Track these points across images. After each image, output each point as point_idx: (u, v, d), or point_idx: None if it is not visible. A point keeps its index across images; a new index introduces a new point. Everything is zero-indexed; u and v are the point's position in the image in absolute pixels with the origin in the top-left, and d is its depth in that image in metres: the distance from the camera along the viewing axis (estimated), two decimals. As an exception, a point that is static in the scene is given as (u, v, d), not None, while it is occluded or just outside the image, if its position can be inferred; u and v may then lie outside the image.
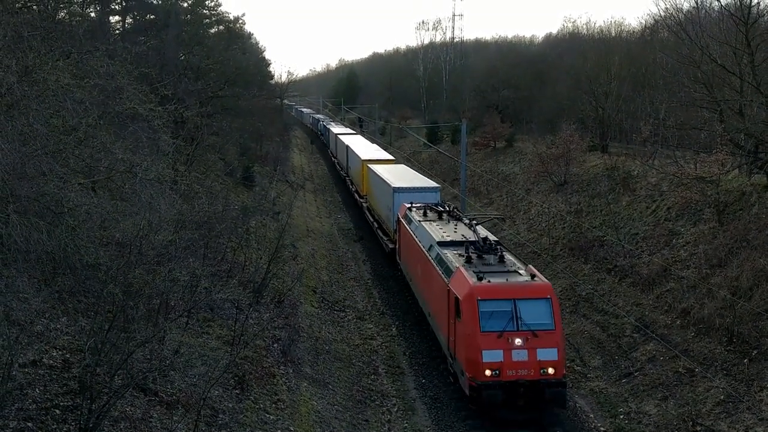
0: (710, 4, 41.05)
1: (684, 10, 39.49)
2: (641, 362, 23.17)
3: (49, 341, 14.67)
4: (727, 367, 21.02)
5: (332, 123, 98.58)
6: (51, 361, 14.01)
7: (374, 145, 62.67)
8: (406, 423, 20.18)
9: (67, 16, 28.44)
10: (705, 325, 23.25)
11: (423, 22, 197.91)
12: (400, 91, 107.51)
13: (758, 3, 30.26)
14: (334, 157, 73.63)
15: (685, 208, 30.83)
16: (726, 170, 30.17)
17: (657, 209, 32.95)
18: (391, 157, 51.18)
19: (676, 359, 22.11)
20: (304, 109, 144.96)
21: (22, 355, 13.32)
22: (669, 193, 32.88)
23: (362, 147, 56.78)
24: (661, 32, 50.49)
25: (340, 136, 68.36)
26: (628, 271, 29.78)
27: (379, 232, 39.33)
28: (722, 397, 19.56)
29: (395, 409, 21.01)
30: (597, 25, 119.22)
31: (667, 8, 42.03)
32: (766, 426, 17.69)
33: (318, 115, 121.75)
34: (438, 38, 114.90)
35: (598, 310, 28.08)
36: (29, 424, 11.75)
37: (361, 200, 47.84)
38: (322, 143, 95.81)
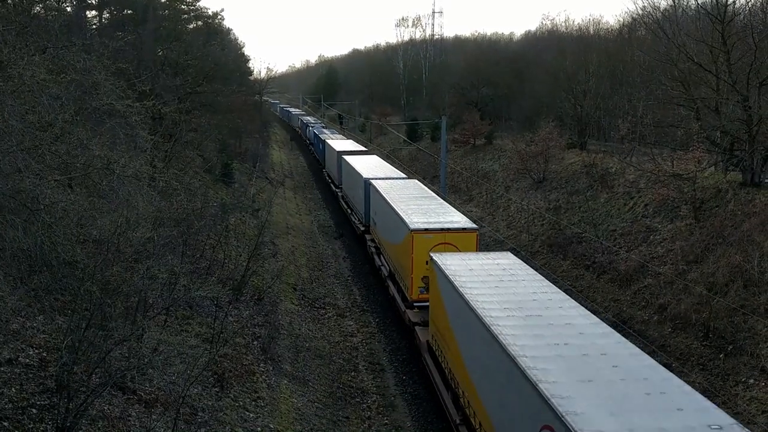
0: (687, 3, 41.51)
1: (661, 9, 39.93)
2: (619, 358, 23.39)
3: (25, 340, 14.50)
4: (703, 362, 21.30)
5: (326, 130, 78.59)
6: (27, 360, 13.84)
7: (414, 183, 34.43)
8: (386, 419, 20.20)
9: (42, 11, 28.09)
10: (681, 320, 23.53)
11: (403, 19, 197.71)
12: (379, 88, 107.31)
13: (734, 2, 30.65)
14: (336, 186, 51.50)
15: (662, 205, 31.16)
16: (702, 167, 30.57)
17: (634, 206, 33.26)
18: (471, 224, 24.68)
19: (654, 354, 22.32)
20: (291, 109, 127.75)
21: (-3, 354, 13.15)
22: (646, 190, 33.22)
23: (400, 193, 30.46)
24: (638, 30, 50.96)
25: (347, 158, 45.54)
26: (606, 267, 30.05)
27: None
28: (698, 391, 19.81)
29: (375, 406, 21.03)
30: (575, 22, 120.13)
31: (644, 6, 42.58)
32: (741, 419, 17.95)
33: (307, 118, 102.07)
34: (418, 35, 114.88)
35: (576, 306, 28.28)
36: (5, 424, 11.60)
37: (407, 312, 24.24)
38: (315, 159, 74.59)
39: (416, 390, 22.03)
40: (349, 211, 43.52)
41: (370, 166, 41.77)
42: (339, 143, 58.89)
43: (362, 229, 37.26)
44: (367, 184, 35.74)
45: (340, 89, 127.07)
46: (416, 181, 35.83)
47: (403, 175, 39.00)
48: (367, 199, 35.77)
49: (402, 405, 21.13)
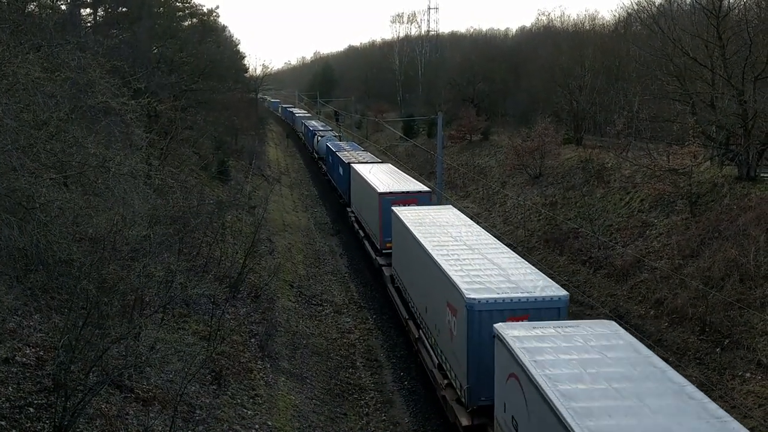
0: (682, -2, 41.52)
1: (656, 4, 39.95)
2: (616, 352, 23.44)
3: (22, 339, 14.47)
4: (699, 356, 21.35)
5: (345, 144, 56.48)
6: (24, 359, 13.82)
7: (628, 345, 13.29)
8: (384, 416, 20.23)
9: (36, 9, 27.94)
10: (678, 315, 23.58)
11: (398, 15, 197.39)
12: (376, 85, 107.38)
13: (729, -4, 30.68)
14: (379, 251, 30.72)
15: (658, 200, 31.21)
16: (698, 162, 30.59)
17: (630, 201, 33.30)
18: None
19: (650, 349, 22.38)
20: (295, 111, 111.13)
21: (-6, 353, 13.13)
22: (642, 185, 33.25)
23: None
24: (634, 25, 50.97)
25: (407, 218, 24.10)
26: (603, 262, 30.09)
27: None
28: (695, 385, 19.86)
29: (373, 402, 21.06)
30: (571, 18, 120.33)
31: (639, 1, 42.53)
32: (738, 413, 17.99)
33: (314, 123, 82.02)
34: (413, 31, 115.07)
35: (573, 301, 28.33)
36: (2, 423, 11.58)
37: None
38: (330, 185, 54.11)
39: (414, 386, 22.05)
40: (407, 319, 23.27)
41: (464, 251, 19.52)
42: (375, 173, 36.22)
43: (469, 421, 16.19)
44: (479, 325, 15.73)
45: (336, 86, 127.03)
46: (622, 332, 14.06)
47: (560, 291, 16.34)
48: (474, 352, 15.90)
49: (400, 401, 21.16)
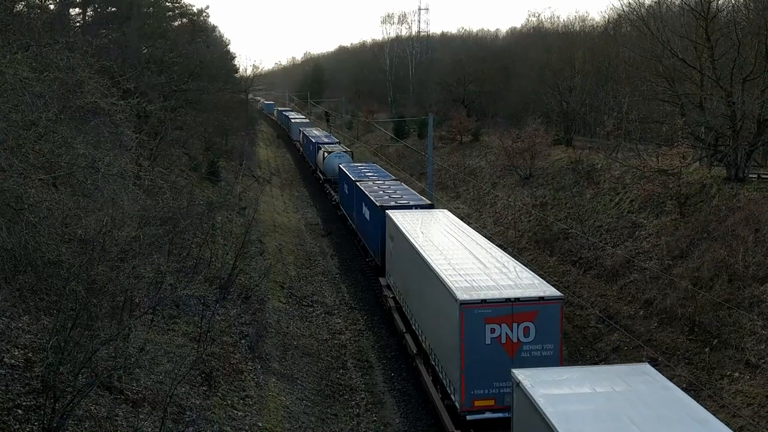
0: (671, 0, 41.75)
1: (646, 5, 40.10)
2: (606, 352, 23.55)
3: (10, 340, 14.39)
4: (689, 356, 21.46)
5: (367, 171, 39.90)
6: (12, 361, 13.75)
7: None
8: (375, 416, 20.23)
9: (25, 9, 27.79)
10: (667, 315, 23.68)
11: (389, 16, 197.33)
12: (366, 85, 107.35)
13: (717, -2, 30.89)
14: (453, 412, 16.84)
15: (647, 201, 31.33)
16: (687, 163, 30.74)
17: (620, 202, 33.43)
18: None
19: (640, 349, 22.49)
20: (291, 115, 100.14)
21: (-18, 354, 13.04)
22: (632, 186, 33.38)
23: None
24: (623, 27, 51.19)
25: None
26: (593, 262, 30.19)
27: None
28: (684, 385, 19.93)
29: (364, 403, 21.05)
30: (561, 19, 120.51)
31: (629, 3, 42.82)
32: (726, 413, 18.09)
33: (315, 132, 68.38)
34: (404, 32, 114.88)
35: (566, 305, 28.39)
36: (-10, 425, 11.52)
37: None
38: (343, 221, 41.34)
39: (404, 387, 22.05)
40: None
41: None
42: (432, 234, 22.93)
43: None
44: None
45: (326, 86, 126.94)
46: None
47: None
48: None
49: (390, 402, 21.16)
